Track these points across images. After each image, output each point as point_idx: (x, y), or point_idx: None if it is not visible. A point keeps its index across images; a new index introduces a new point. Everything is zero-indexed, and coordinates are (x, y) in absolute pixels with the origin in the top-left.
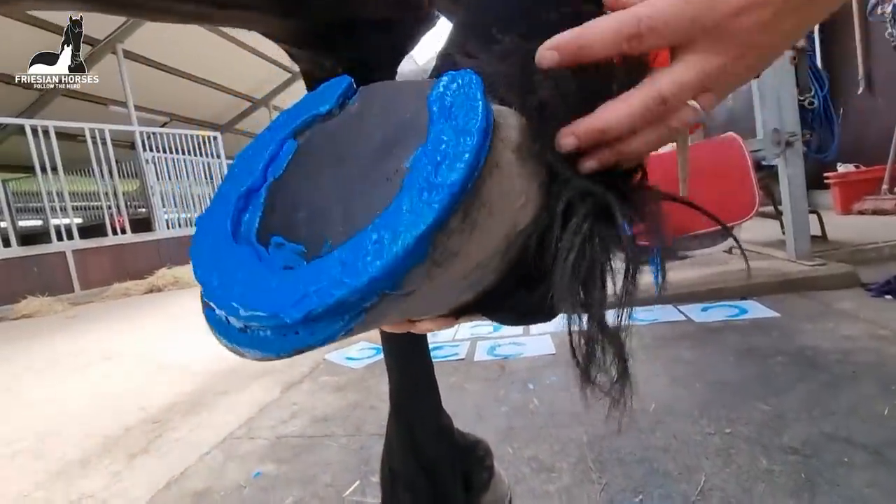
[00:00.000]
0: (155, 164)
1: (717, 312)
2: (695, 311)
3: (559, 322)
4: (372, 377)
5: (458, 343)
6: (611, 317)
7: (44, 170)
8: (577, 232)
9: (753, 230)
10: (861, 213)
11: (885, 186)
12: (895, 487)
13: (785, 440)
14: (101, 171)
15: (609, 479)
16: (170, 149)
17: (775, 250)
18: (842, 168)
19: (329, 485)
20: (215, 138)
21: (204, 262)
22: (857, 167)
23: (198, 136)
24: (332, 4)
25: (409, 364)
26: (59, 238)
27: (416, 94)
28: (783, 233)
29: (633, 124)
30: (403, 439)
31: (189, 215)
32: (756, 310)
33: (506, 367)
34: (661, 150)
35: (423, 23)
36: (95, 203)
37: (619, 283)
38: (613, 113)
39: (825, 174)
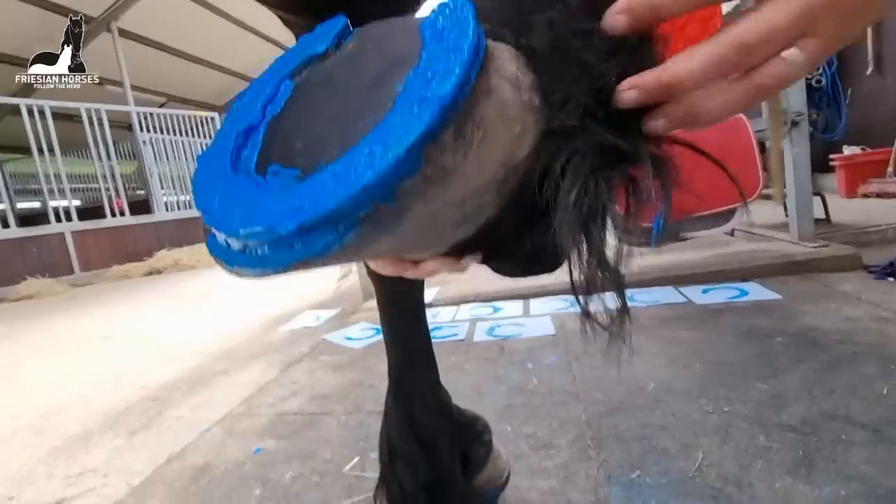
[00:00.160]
0: (152, 145)
1: (718, 294)
2: (695, 293)
3: (559, 304)
4: (371, 357)
5: (458, 324)
6: (611, 253)
7: (41, 151)
8: (580, 168)
9: (757, 213)
10: (866, 196)
11: (890, 169)
12: (893, 464)
13: (784, 418)
14: (99, 152)
15: (607, 456)
16: (167, 130)
17: (778, 232)
18: (847, 151)
19: (329, 460)
20: (213, 119)
21: (204, 192)
22: (863, 150)
23: (196, 117)
24: None
25: (408, 339)
26: (58, 220)
27: (410, 28)
28: (786, 216)
29: (708, 77)
30: (402, 414)
31: (187, 198)
32: (757, 292)
33: (505, 347)
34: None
35: None
36: (94, 185)
37: (620, 221)
38: (684, 65)
39: (830, 157)
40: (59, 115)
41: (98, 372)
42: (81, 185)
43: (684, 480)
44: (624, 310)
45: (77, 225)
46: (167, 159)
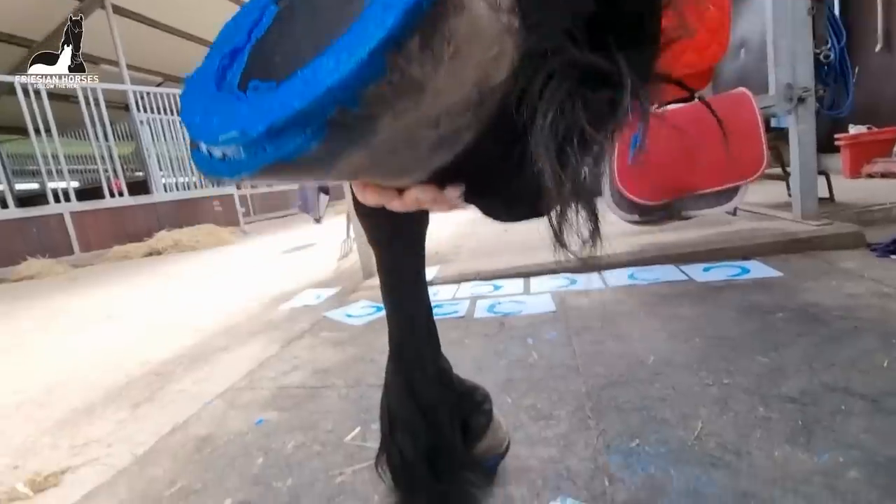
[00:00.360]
0: (150, 125)
1: (719, 272)
2: (696, 271)
3: (560, 282)
4: (372, 333)
5: (458, 301)
6: (586, 177)
7: (37, 131)
8: (557, 90)
9: (760, 192)
10: (870, 175)
11: (895, 148)
12: (891, 433)
13: (783, 390)
14: (96, 132)
15: (606, 426)
16: (165, 110)
17: (781, 211)
18: (853, 130)
19: (330, 431)
20: None
21: (189, 108)
22: (869, 129)
23: None
24: None
25: (409, 307)
26: (57, 201)
27: None
28: (790, 195)
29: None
30: (402, 382)
31: (186, 179)
32: (759, 269)
33: (505, 323)
34: (673, 106)
35: None
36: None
37: (595, 142)
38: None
39: (836, 136)
40: (55, 96)
41: (100, 349)
42: (79, 167)
43: (683, 449)
44: (596, 232)
45: (76, 205)
46: (165, 139)
